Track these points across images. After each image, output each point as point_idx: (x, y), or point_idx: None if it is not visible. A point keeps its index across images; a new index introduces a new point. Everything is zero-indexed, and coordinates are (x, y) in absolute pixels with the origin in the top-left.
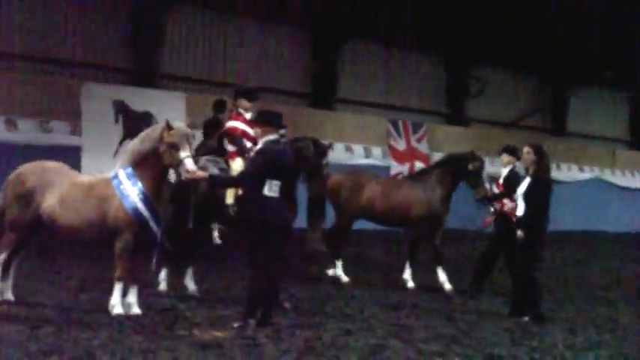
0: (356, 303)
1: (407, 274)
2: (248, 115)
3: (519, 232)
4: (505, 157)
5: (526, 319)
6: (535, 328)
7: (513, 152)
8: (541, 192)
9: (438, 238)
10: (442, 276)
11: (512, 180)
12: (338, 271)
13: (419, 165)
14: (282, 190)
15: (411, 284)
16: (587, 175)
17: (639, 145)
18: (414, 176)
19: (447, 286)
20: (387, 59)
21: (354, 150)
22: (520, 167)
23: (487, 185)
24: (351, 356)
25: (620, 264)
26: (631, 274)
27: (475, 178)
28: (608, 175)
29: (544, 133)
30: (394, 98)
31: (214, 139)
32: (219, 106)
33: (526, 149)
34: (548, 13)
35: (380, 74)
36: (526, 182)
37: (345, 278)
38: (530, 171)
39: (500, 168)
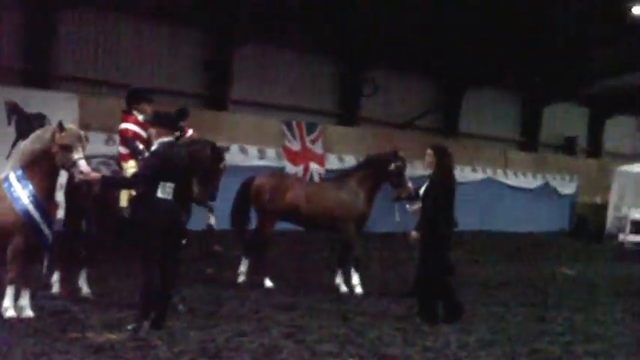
0: (251, 304)
1: (355, 280)
2: (141, 117)
3: (413, 233)
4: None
5: (418, 319)
6: (428, 328)
7: None
8: (438, 194)
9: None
10: (339, 278)
11: None
12: (242, 268)
13: (313, 166)
14: (176, 192)
15: (344, 288)
16: (479, 175)
17: (530, 146)
18: (337, 179)
19: (344, 288)
20: (281, 60)
21: (248, 151)
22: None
23: (410, 185)
24: (244, 357)
25: (512, 264)
26: (523, 273)
27: (398, 178)
28: (500, 176)
29: (437, 133)
30: (288, 99)
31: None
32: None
33: (428, 151)
34: (441, 13)
35: (274, 75)
36: (426, 183)
37: (242, 278)
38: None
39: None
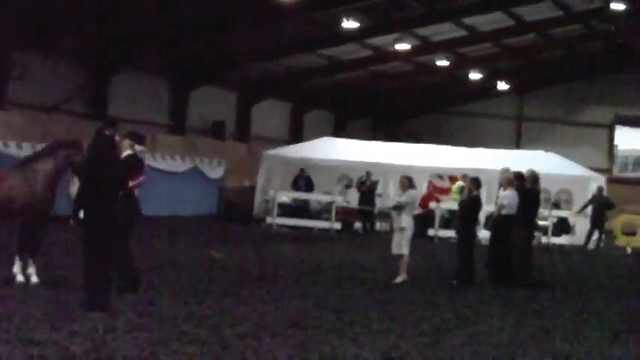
0: None
1: (16, 268)
2: None
3: (71, 221)
4: (126, 141)
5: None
6: (76, 313)
7: (134, 137)
8: (88, 178)
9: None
10: (32, 268)
11: (131, 162)
12: None
13: None
14: None
15: (20, 278)
16: None
17: (179, 130)
18: (19, 166)
19: (35, 279)
20: None
21: None
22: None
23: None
24: None
25: (163, 248)
26: (173, 257)
27: (79, 169)
28: (149, 160)
29: (86, 117)
30: None
31: None
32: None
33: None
34: None
35: None
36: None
37: None
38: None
39: None
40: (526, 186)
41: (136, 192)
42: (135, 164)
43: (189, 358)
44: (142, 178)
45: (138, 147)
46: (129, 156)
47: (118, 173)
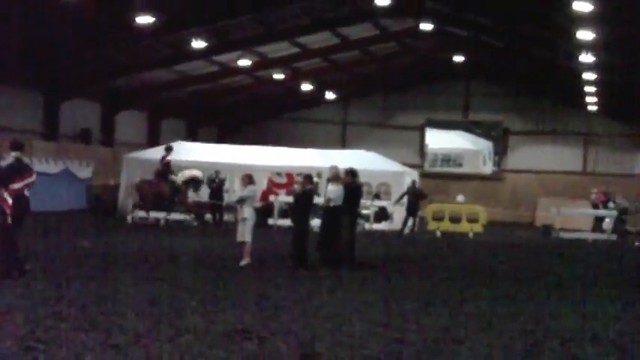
0: None
1: None
2: None
3: None
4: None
5: None
6: None
7: (13, 144)
8: None
9: None
10: None
11: (15, 166)
12: None
13: None
14: None
15: None
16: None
17: (52, 137)
18: None
19: None
20: None
21: None
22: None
23: None
24: None
25: (41, 238)
26: (47, 248)
27: None
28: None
29: None
30: None
31: None
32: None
33: None
34: None
35: None
36: None
37: None
38: None
39: None
40: (355, 181)
41: (27, 192)
42: (19, 168)
43: (60, 334)
44: (30, 180)
45: (13, 153)
46: (14, 161)
47: None
